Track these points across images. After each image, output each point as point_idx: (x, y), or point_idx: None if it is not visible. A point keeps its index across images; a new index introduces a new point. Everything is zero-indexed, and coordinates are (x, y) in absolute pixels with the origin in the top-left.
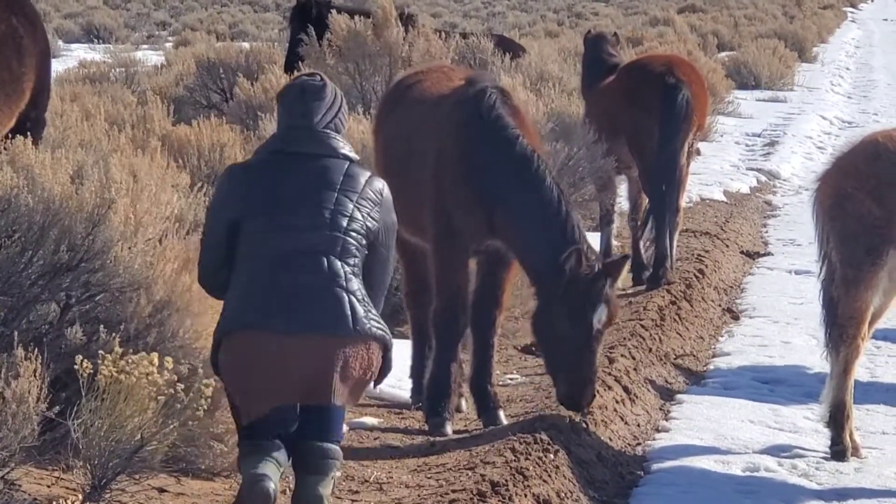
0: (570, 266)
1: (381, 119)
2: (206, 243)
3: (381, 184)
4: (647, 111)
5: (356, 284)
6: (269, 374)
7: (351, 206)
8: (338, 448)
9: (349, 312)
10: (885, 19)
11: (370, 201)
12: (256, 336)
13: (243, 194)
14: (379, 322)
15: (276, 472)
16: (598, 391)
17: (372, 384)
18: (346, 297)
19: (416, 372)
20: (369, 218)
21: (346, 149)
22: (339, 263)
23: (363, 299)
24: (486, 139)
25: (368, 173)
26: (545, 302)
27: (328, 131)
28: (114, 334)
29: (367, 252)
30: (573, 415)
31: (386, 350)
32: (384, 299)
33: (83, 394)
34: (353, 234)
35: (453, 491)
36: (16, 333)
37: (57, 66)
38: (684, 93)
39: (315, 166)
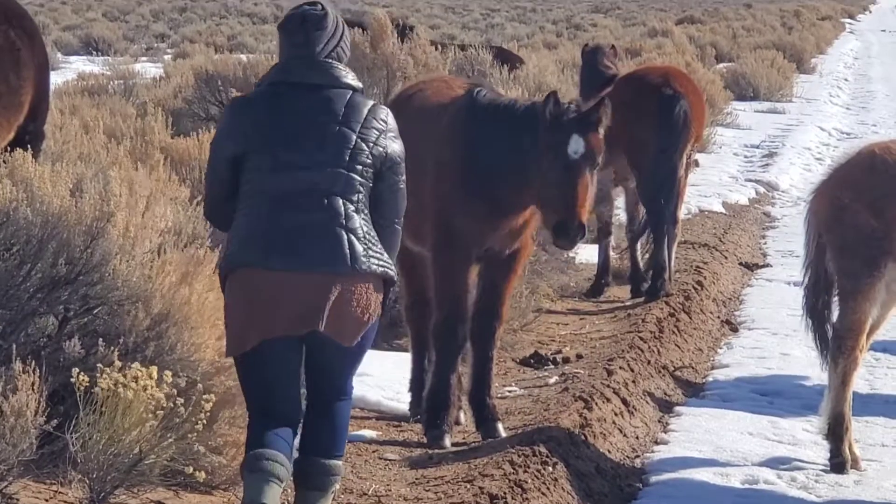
0: (548, 108)
1: None
2: (209, 178)
3: (384, 111)
4: (644, 123)
5: (357, 222)
6: (264, 306)
7: (354, 137)
8: (340, 464)
9: (347, 251)
10: (884, 30)
11: (375, 129)
12: (255, 273)
13: (245, 129)
14: (380, 258)
15: (278, 497)
16: (596, 401)
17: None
18: (345, 236)
19: (416, 385)
20: (376, 146)
21: (348, 77)
22: (340, 201)
23: (364, 237)
24: (482, 128)
25: (371, 102)
26: (533, 147)
27: (330, 61)
28: (112, 347)
29: (376, 182)
30: (573, 425)
31: (390, 284)
32: (397, 239)
33: (81, 407)
34: (358, 167)
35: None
36: (14, 346)
37: (56, 79)
38: (682, 104)
39: (317, 97)
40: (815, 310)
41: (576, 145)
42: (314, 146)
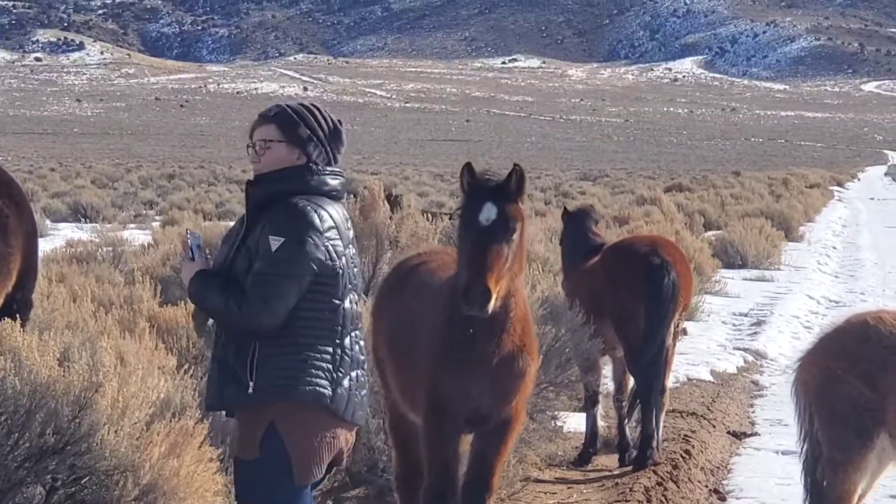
0: (465, 179)
1: (383, 302)
2: None
3: None
4: (632, 293)
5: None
6: None
7: None
8: None
9: None
10: (872, 198)
11: None
12: None
13: None
14: None
15: None
16: None
17: None
18: None
19: None
20: None
21: None
22: None
23: None
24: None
25: None
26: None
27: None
28: None
29: None
30: None
31: None
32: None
33: None
34: None
35: None
36: None
37: (44, 246)
38: (670, 273)
39: None
40: (816, 484)
41: (488, 213)
42: None
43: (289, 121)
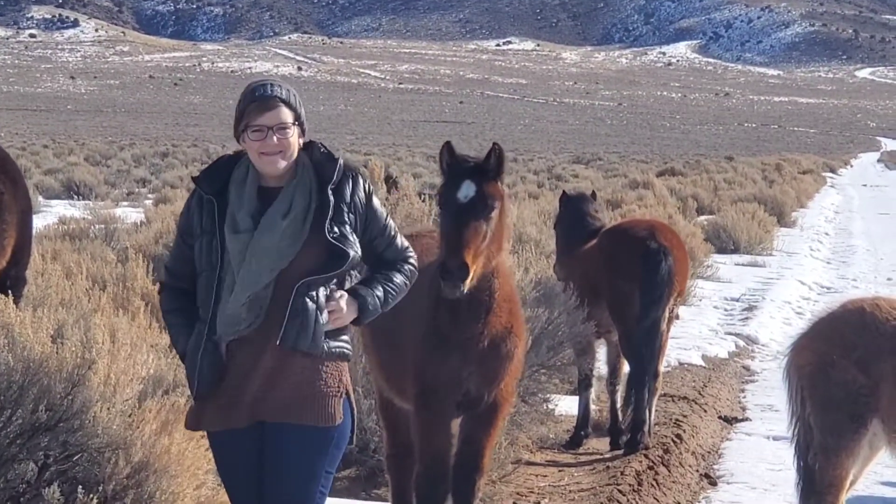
0: (444, 158)
1: None
2: None
3: None
4: (628, 276)
5: None
6: None
7: None
8: None
9: None
10: (865, 185)
11: None
12: None
13: None
14: None
15: None
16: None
17: None
18: None
19: None
20: None
21: None
22: None
23: None
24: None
25: None
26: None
27: None
28: (91, 495)
29: None
30: None
31: None
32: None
33: None
34: None
35: None
36: None
37: (37, 222)
38: (667, 258)
39: None
40: (808, 469)
41: (466, 190)
42: None
43: (295, 102)
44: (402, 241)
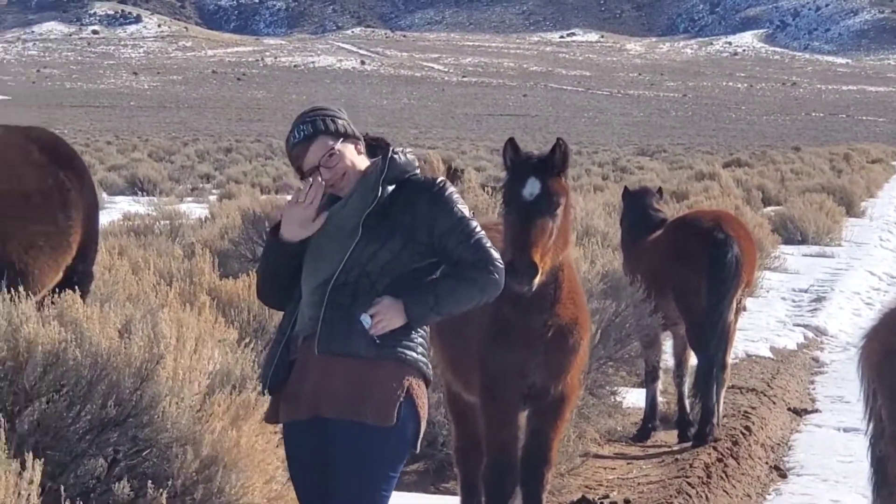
0: (507, 155)
1: None
2: None
3: None
4: (695, 268)
5: None
6: None
7: None
8: None
9: None
10: None
11: None
12: None
13: None
14: None
15: None
16: None
17: None
18: None
19: None
20: None
21: None
22: None
23: None
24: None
25: None
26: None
27: None
28: (161, 490)
29: None
30: None
31: None
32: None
33: None
34: None
35: None
36: (63, 488)
37: (102, 219)
38: (734, 249)
39: None
40: (881, 461)
41: (532, 187)
42: None
43: (325, 123)
44: (481, 242)
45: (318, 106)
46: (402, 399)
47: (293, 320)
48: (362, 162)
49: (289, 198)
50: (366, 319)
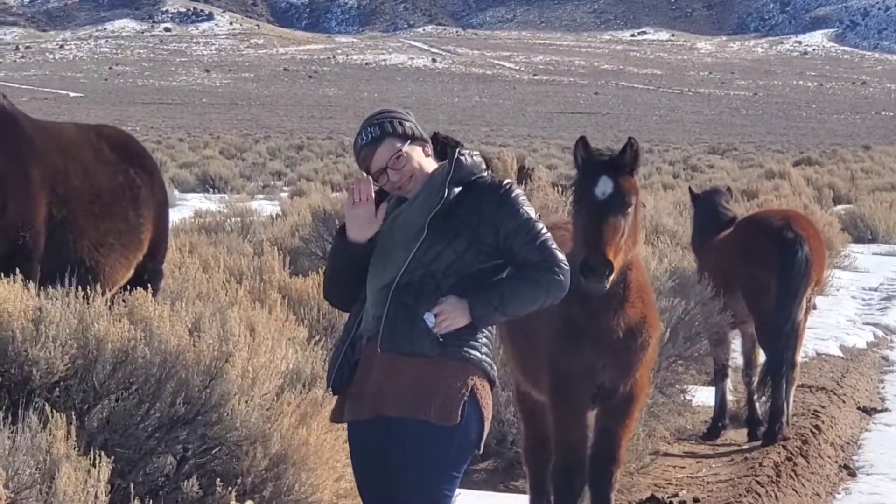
0: (579, 153)
1: None
2: None
3: None
4: (764, 266)
5: None
6: None
7: None
8: None
9: None
10: None
11: None
12: None
13: None
14: None
15: None
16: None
17: None
18: None
19: None
20: None
21: None
22: None
23: None
24: None
25: None
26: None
27: None
28: (230, 488)
29: None
30: None
31: None
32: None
33: None
34: None
35: None
36: (132, 486)
37: (173, 216)
38: (804, 248)
39: None
40: None
41: (604, 186)
42: None
43: (393, 126)
44: (546, 244)
45: (386, 109)
46: (465, 398)
47: (358, 321)
48: (430, 164)
49: (345, 200)
50: (429, 318)
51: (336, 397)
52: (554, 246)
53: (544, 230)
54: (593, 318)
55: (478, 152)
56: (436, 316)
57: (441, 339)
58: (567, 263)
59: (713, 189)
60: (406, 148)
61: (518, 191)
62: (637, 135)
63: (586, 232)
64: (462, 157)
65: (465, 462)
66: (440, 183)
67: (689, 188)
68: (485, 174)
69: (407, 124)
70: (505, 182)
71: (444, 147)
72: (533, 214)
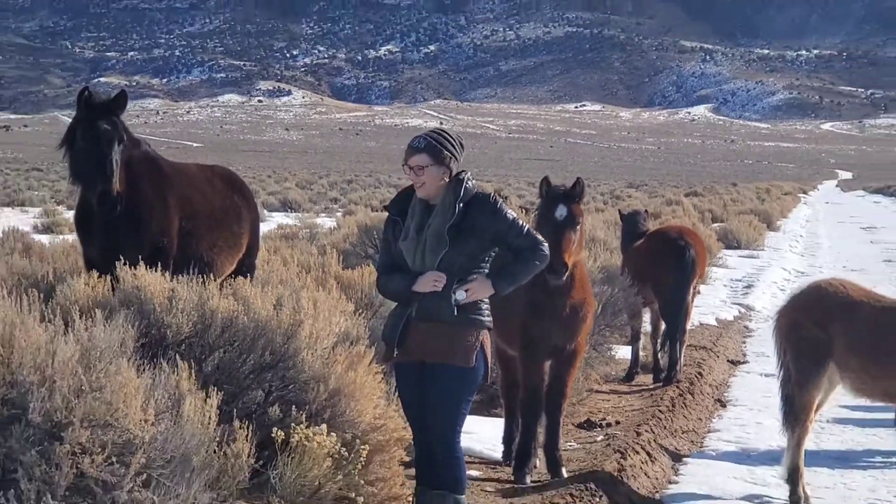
0: (543, 188)
1: None
2: None
3: None
4: (665, 265)
5: None
6: None
7: None
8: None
9: None
10: (827, 202)
11: None
12: None
13: None
14: None
15: None
16: (629, 454)
17: None
18: None
19: (507, 440)
20: None
21: None
22: None
23: None
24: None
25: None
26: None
27: None
28: (301, 412)
29: None
30: (614, 470)
31: None
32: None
33: (279, 453)
34: None
35: None
36: (234, 411)
37: (262, 228)
38: (691, 252)
39: None
40: (788, 397)
41: (561, 211)
42: None
43: (434, 149)
44: (530, 232)
45: (441, 130)
46: (477, 348)
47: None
48: (440, 182)
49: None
50: (461, 294)
51: (385, 346)
52: (534, 232)
53: (525, 224)
54: (550, 299)
55: (473, 179)
56: (465, 291)
57: (456, 313)
58: (545, 241)
59: (634, 211)
60: (430, 166)
61: (502, 202)
62: (580, 174)
63: (550, 243)
64: (468, 184)
65: (475, 391)
66: (452, 202)
67: (619, 211)
68: (473, 187)
69: (445, 153)
70: (492, 197)
71: (456, 174)
72: (515, 215)
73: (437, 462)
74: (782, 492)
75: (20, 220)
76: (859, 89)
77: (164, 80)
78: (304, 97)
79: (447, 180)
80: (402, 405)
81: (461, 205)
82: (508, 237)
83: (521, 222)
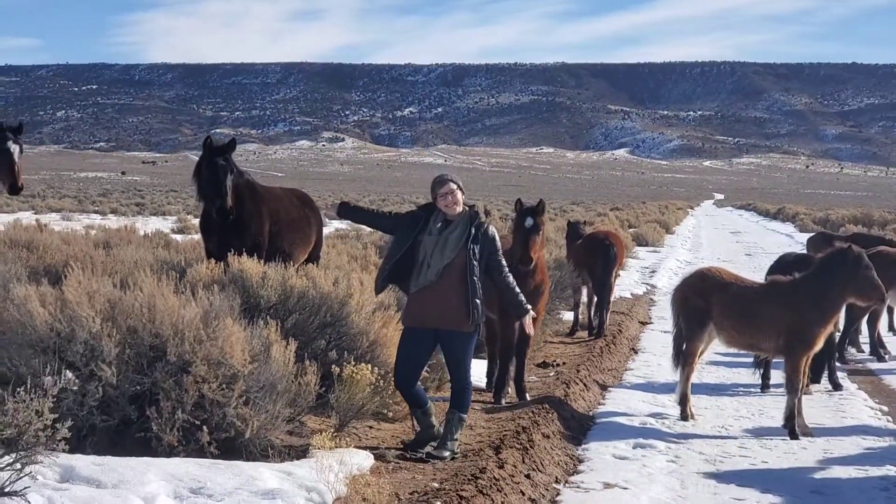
0: (517, 205)
1: None
2: None
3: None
4: (596, 258)
5: None
6: None
7: None
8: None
9: None
10: (707, 215)
11: None
12: None
13: None
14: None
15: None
16: (571, 385)
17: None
18: None
19: (489, 374)
20: None
21: None
22: None
23: None
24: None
25: None
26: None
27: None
28: (351, 356)
29: None
30: (561, 395)
31: None
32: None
33: (336, 382)
34: None
35: (504, 430)
36: (305, 354)
37: (325, 231)
38: (614, 249)
39: None
40: (677, 346)
41: (530, 221)
42: None
43: (456, 182)
44: (502, 260)
45: (449, 173)
46: (477, 318)
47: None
48: (461, 204)
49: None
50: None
51: (404, 314)
52: (503, 259)
53: (503, 258)
54: (521, 280)
55: (477, 208)
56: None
57: (465, 299)
58: (507, 265)
59: (576, 221)
60: (457, 191)
61: (497, 235)
62: (541, 196)
63: (521, 244)
64: (477, 213)
65: (474, 345)
66: (467, 224)
67: (568, 220)
68: (485, 221)
69: (459, 183)
70: (491, 231)
71: (471, 206)
72: (499, 245)
73: (419, 394)
74: (675, 411)
75: (162, 224)
76: (729, 138)
77: (259, 131)
78: (353, 143)
79: (460, 201)
80: (397, 359)
81: (473, 228)
82: (490, 257)
83: (500, 255)
